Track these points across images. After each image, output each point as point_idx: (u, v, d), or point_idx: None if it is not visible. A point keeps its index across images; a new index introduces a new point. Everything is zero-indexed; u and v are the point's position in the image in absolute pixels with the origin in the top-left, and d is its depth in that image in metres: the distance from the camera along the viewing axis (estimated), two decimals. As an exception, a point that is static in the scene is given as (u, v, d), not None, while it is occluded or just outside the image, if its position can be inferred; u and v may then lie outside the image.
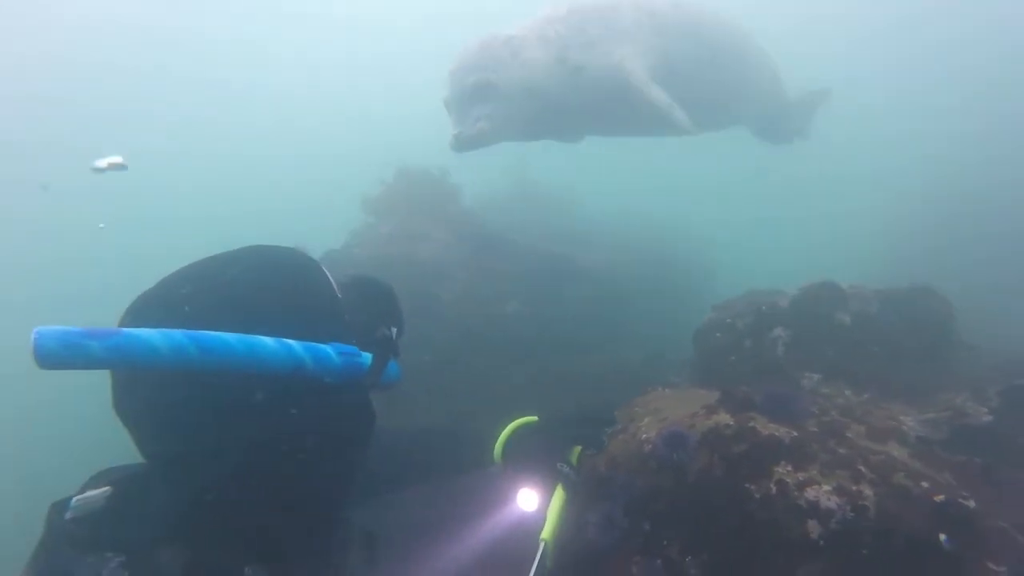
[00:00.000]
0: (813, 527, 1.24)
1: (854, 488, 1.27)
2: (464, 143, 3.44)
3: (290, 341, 1.04)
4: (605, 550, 1.52)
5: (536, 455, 1.60)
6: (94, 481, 1.09)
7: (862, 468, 1.33)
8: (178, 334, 0.94)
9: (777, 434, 1.42)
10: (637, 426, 1.68)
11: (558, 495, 1.57)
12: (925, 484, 1.29)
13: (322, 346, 1.08)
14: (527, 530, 1.56)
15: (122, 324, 1.03)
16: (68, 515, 1.01)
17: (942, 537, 1.17)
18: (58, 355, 0.85)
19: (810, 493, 1.27)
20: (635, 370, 3.43)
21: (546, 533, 1.50)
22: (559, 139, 4.31)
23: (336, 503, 1.22)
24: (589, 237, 5.59)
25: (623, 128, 4.33)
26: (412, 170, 4.92)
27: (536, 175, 7.81)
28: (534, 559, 1.45)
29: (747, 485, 1.35)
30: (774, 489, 1.31)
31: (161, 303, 1.05)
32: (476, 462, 1.70)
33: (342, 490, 1.22)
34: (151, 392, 1.01)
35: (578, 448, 1.60)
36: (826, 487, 1.28)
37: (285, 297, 1.11)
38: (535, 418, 1.70)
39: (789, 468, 1.33)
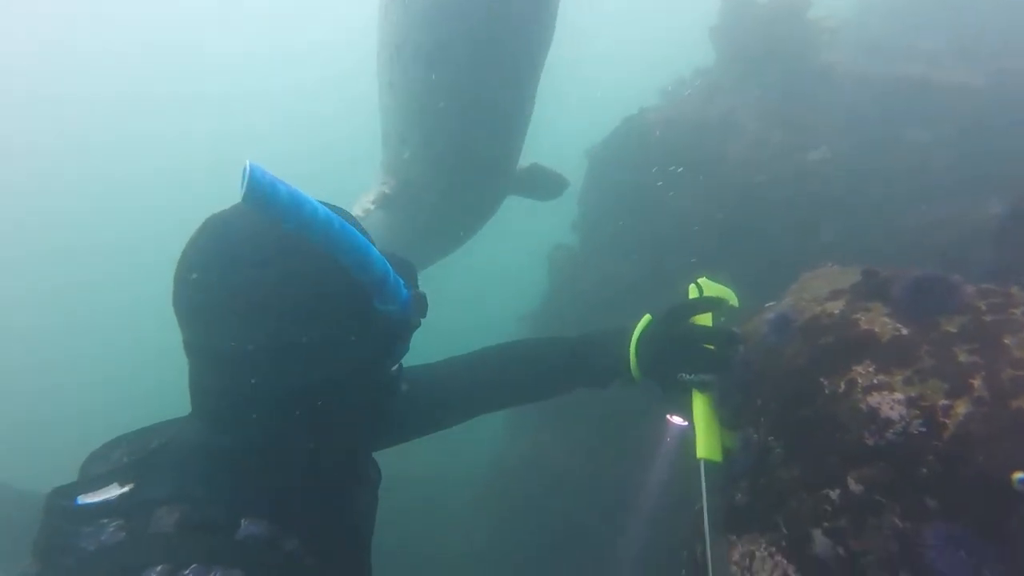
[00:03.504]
0: (869, 434, 1.11)
1: (942, 403, 1.05)
2: None
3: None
4: (723, 416, 1.60)
5: (664, 368, 1.47)
6: (109, 472, 1.02)
7: (978, 383, 1.04)
8: (325, 208, 0.98)
9: (878, 330, 1.20)
10: (776, 305, 1.59)
11: (699, 404, 1.46)
12: (1063, 415, 0.95)
13: (394, 273, 1.08)
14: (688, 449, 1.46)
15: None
16: (80, 502, 0.96)
17: (1017, 476, 0.91)
18: (262, 186, 0.88)
19: (874, 398, 1.11)
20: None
21: (701, 451, 1.41)
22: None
23: (352, 445, 1.19)
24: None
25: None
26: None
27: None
28: (701, 483, 1.36)
29: (821, 379, 1.23)
30: (842, 388, 1.18)
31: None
32: (609, 374, 1.59)
33: (360, 434, 1.19)
34: (248, 275, 0.98)
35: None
36: (897, 395, 1.09)
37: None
38: (648, 317, 1.55)
39: (871, 368, 1.16)
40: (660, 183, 3.67)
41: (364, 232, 1.09)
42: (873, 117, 3.27)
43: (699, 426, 1.46)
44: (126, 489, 0.98)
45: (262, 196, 0.89)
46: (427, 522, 5.08)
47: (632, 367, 1.53)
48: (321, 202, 1.03)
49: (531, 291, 5.56)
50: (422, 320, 1.17)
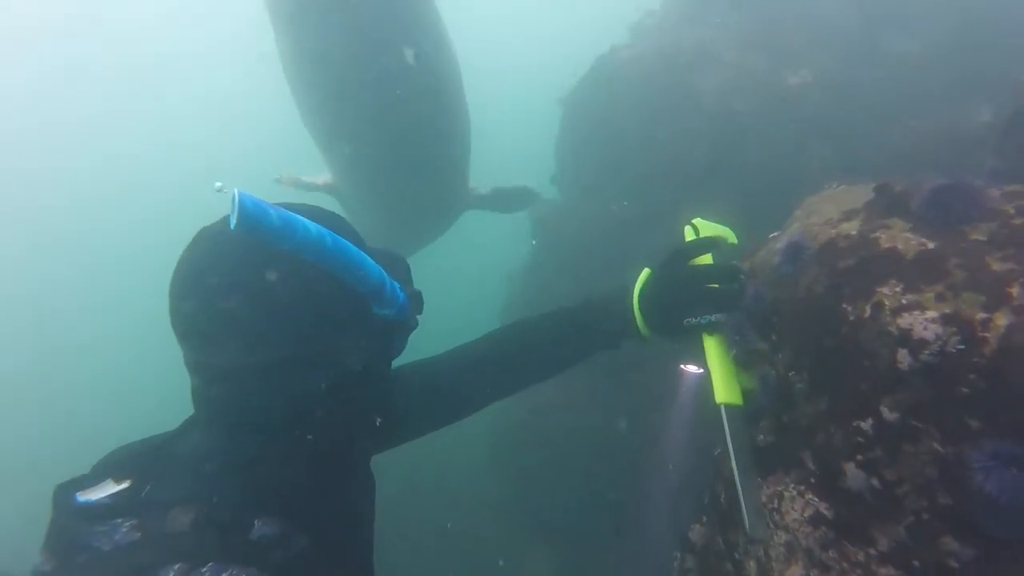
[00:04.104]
0: (902, 357, 1.04)
1: (980, 316, 0.97)
2: None
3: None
4: (738, 356, 1.53)
5: (670, 317, 1.40)
6: (107, 467, 1.02)
7: (1016, 291, 0.97)
8: (316, 226, 0.98)
9: (901, 247, 1.12)
10: (784, 232, 1.50)
11: (711, 347, 1.38)
12: (1114, 316, 0.88)
13: (390, 279, 1.10)
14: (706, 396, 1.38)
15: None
16: (81, 499, 0.96)
17: (1071, 388, 0.84)
18: (253, 215, 0.89)
19: (905, 320, 1.03)
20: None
21: (719, 396, 1.33)
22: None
23: (356, 447, 1.21)
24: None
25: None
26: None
27: None
28: (725, 431, 1.29)
29: (844, 305, 1.16)
30: (868, 312, 1.10)
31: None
32: (617, 336, 1.52)
33: (363, 436, 1.21)
34: (248, 293, 0.99)
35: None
36: (930, 313, 1.01)
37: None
38: (648, 271, 1.48)
39: (898, 288, 1.08)
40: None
41: (356, 238, 1.10)
42: (856, 31, 3.14)
43: (714, 370, 1.39)
44: (123, 486, 0.99)
45: (254, 224, 0.89)
46: (438, 482, 5.11)
47: (639, 324, 1.46)
48: (311, 208, 1.05)
49: (516, 250, 5.46)
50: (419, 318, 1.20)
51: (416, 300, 1.18)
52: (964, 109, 2.76)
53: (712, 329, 1.41)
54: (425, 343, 1.59)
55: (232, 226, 0.88)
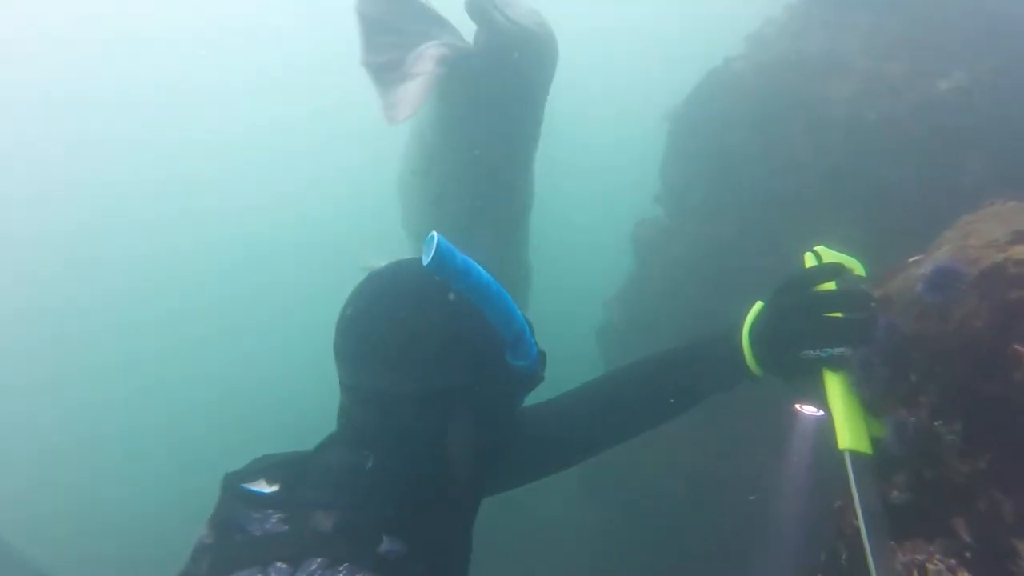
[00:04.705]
0: (1102, 415, 0.81)
1: None
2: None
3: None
4: (865, 398, 1.32)
5: (784, 349, 1.24)
6: (261, 469, 1.17)
7: None
8: (485, 271, 1.14)
9: (1099, 274, 0.88)
10: (929, 256, 1.28)
11: (833, 386, 1.21)
12: None
13: (528, 331, 1.21)
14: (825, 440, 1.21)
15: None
16: (244, 487, 1.12)
17: None
18: (445, 255, 1.07)
19: (1106, 367, 0.81)
20: None
21: (843, 441, 1.16)
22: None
23: (478, 487, 1.26)
24: None
25: None
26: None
27: None
28: (850, 482, 1.13)
29: (1016, 346, 0.94)
30: (1050, 354, 0.88)
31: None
32: (727, 377, 1.39)
33: (485, 477, 1.27)
34: (410, 324, 1.12)
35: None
36: None
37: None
38: (760, 303, 1.34)
39: (1094, 327, 0.85)
40: None
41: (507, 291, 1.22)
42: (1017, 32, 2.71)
43: (837, 412, 1.19)
44: (275, 487, 1.13)
45: (444, 262, 1.07)
46: (527, 512, 5.01)
47: (749, 362, 1.30)
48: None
49: (613, 275, 5.26)
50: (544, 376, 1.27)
51: (543, 358, 1.26)
52: None
53: (835, 364, 1.21)
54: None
55: (425, 263, 1.06)
